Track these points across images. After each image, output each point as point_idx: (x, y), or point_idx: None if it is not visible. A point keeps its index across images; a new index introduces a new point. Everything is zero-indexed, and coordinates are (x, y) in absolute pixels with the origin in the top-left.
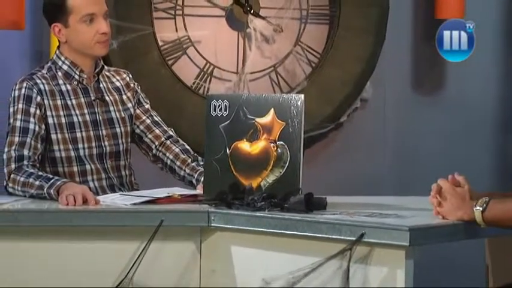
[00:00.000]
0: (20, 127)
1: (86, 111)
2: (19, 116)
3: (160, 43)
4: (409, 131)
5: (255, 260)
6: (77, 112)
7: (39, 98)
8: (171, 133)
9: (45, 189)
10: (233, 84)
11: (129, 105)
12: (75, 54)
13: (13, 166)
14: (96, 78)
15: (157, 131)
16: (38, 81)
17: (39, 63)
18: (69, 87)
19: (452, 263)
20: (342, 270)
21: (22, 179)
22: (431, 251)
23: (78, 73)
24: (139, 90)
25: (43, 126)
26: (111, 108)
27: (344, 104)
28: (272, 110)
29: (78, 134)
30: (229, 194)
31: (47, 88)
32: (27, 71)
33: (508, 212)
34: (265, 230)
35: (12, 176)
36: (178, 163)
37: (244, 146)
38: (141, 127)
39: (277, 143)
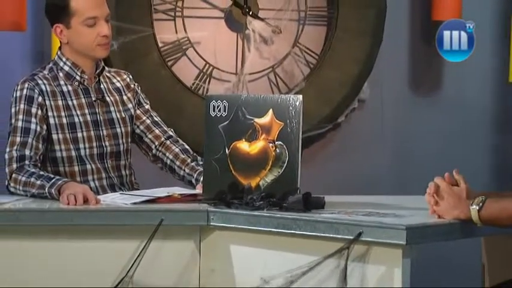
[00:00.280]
0: (22, 127)
1: (86, 111)
2: (21, 117)
3: (160, 44)
4: (406, 131)
5: (254, 258)
6: (78, 112)
7: (40, 98)
8: (170, 133)
9: (46, 189)
10: (232, 85)
11: (130, 105)
12: (76, 55)
13: (15, 166)
14: (97, 79)
15: (157, 131)
16: (40, 81)
17: (40, 64)
18: (70, 87)
19: (449, 261)
20: (339, 269)
21: (24, 178)
22: (428, 250)
23: (79, 74)
24: (139, 91)
25: (44, 127)
26: (112, 108)
27: (342, 105)
28: (271, 110)
29: (79, 134)
30: (229, 193)
31: (48, 89)
32: (28, 72)
33: (505, 211)
34: (264, 229)
35: (13, 175)
36: (177, 163)
37: (243, 146)
38: (141, 127)
39: (276, 143)
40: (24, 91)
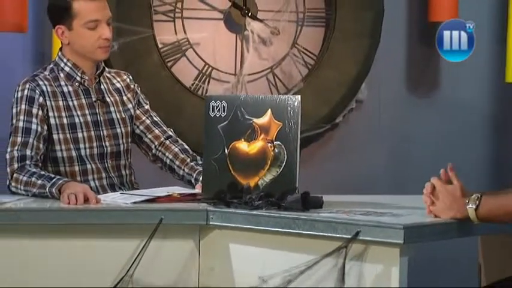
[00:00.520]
0: (23, 128)
1: (87, 112)
2: (22, 117)
3: (160, 45)
4: (404, 131)
5: (253, 257)
6: (79, 113)
7: (41, 99)
8: (170, 133)
9: (47, 188)
10: (231, 86)
11: (130, 106)
12: (77, 57)
13: (16, 166)
14: (97, 80)
15: (156, 131)
16: (41, 82)
17: (41, 65)
18: (70, 88)
19: (446, 260)
20: (337, 268)
21: (25, 178)
22: (426, 249)
23: (79, 75)
24: (139, 92)
25: (45, 127)
26: (112, 109)
27: (340, 105)
28: (269, 110)
29: (80, 134)
30: (228, 193)
31: (49, 89)
32: (29, 72)
33: (502, 207)
34: (263, 228)
35: (15, 175)
36: (177, 163)
37: (242, 146)
38: (141, 127)
39: (275, 143)
40: (25, 92)
